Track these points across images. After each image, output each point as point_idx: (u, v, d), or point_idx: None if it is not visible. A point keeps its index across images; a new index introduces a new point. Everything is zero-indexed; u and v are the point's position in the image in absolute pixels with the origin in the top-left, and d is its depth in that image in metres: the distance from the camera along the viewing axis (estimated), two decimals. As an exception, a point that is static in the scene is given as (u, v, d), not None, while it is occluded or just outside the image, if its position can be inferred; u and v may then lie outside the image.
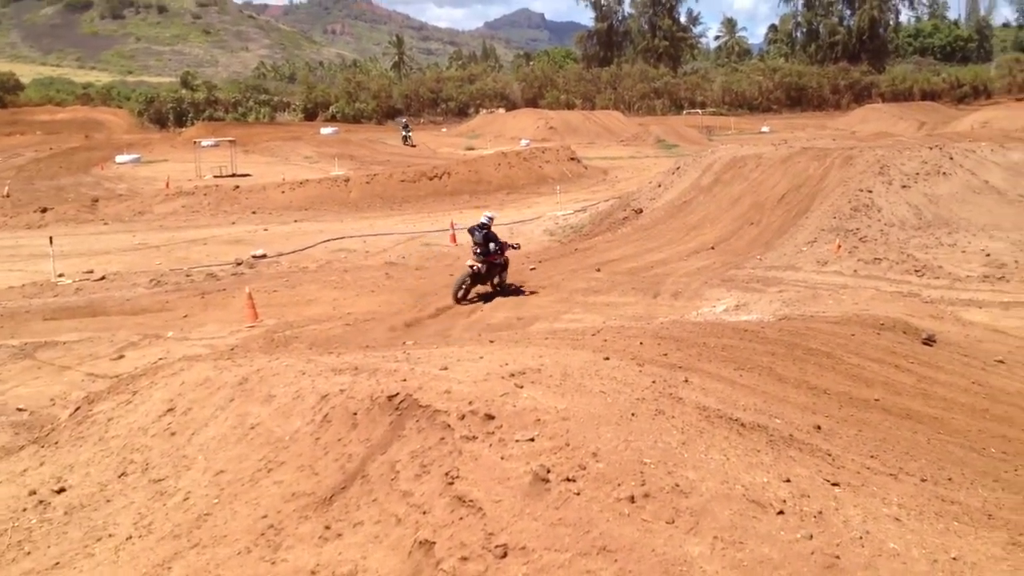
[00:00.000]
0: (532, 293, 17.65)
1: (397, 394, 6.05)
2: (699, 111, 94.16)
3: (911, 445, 6.50)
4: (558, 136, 66.49)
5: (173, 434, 7.08)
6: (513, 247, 18.37)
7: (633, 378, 6.62)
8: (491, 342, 8.68)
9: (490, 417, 5.44)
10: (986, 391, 8.70)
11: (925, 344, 10.03)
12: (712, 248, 20.78)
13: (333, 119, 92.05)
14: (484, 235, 17.52)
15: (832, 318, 10.97)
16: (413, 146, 57.11)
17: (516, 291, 18.02)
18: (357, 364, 7.18)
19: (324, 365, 7.35)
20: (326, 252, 22.23)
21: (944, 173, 23.24)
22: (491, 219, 17.99)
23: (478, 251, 17.48)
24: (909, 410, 7.54)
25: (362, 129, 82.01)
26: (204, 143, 49.70)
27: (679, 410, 5.97)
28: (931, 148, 25.42)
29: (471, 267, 17.46)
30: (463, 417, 5.48)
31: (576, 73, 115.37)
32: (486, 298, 17.25)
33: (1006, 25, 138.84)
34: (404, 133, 59.40)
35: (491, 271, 17.81)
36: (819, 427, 6.36)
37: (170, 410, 7.47)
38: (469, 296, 17.41)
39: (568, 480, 4.70)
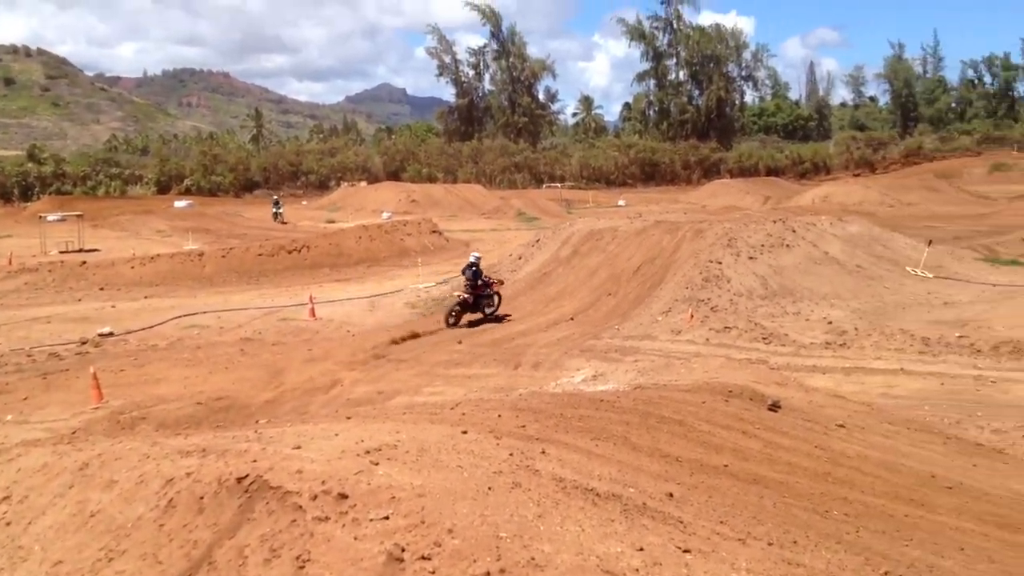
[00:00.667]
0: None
1: (247, 476, 5.83)
2: (558, 185, 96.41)
3: (758, 509, 6.67)
4: (420, 209, 66.79)
5: (8, 524, 6.62)
6: (499, 283, 22.72)
7: (491, 451, 6.59)
8: (348, 418, 8.52)
9: (343, 496, 5.30)
10: (828, 455, 9.04)
11: (771, 410, 10.38)
12: (571, 319, 21.19)
13: (188, 192, 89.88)
14: (473, 272, 21.36)
15: (684, 386, 11.26)
16: (284, 223, 55.60)
17: (501, 319, 21.75)
18: (205, 445, 6.91)
19: (170, 448, 7.03)
20: (177, 329, 21.45)
21: (787, 245, 24.47)
22: (478, 259, 22.01)
23: (467, 284, 21.23)
24: (756, 475, 7.76)
25: (219, 202, 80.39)
26: (50, 217, 47.74)
27: (536, 482, 5.96)
28: (775, 222, 26.80)
29: (460, 297, 21.18)
30: (315, 497, 5.31)
31: (438, 147, 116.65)
32: (473, 324, 20.88)
33: (843, 104, 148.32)
34: (275, 210, 57.75)
35: (478, 301, 21.58)
36: (671, 494, 6.47)
37: (5, 498, 7.00)
38: (459, 322, 20.66)
39: (423, 558, 4.60)
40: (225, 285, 30.51)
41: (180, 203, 69.47)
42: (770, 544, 5.69)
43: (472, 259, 21.83)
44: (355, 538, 4.88)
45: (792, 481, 7.80)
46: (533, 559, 4.61)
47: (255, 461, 6.08)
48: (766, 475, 7.83)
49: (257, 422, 10.04)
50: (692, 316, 19.70)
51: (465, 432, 7.14)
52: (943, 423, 12.66)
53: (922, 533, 7.07)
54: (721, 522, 5.97)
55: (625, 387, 11.45)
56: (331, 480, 5.48)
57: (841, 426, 10.40)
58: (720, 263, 22.82)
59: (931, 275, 24.83)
